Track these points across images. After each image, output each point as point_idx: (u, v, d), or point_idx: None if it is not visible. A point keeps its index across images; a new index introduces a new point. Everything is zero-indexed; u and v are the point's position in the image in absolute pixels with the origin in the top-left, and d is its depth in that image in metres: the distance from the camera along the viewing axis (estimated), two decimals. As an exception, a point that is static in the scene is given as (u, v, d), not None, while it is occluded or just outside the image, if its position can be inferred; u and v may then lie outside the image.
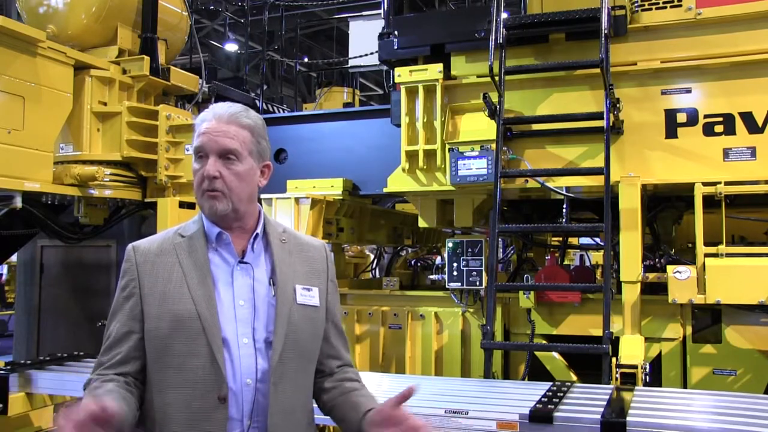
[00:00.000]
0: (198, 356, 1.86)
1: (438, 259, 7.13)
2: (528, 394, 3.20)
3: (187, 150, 5.89)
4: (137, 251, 1.99)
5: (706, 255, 3.81)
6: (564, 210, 4.30)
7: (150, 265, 1.95)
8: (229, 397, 1.86)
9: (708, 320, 4.18)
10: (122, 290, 1.96)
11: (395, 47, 4.69)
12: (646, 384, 3.61)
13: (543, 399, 3.06)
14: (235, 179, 1.95)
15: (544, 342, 4.44)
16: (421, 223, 4.88)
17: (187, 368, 1.86)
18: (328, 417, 2.14)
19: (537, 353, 4.38)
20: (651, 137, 4.09)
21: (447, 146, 4.38)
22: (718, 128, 3.97)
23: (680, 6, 4.03)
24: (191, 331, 1.87)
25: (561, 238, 5.61)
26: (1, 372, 3.96)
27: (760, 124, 3.90)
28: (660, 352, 4.14)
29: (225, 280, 1.95)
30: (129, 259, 1.98)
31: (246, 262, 1.99)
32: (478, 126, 4.37)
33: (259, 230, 2.03)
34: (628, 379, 3.59)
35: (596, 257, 7.28)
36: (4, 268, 13.03)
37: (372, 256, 8.53)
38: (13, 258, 7.31)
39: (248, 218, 2.02)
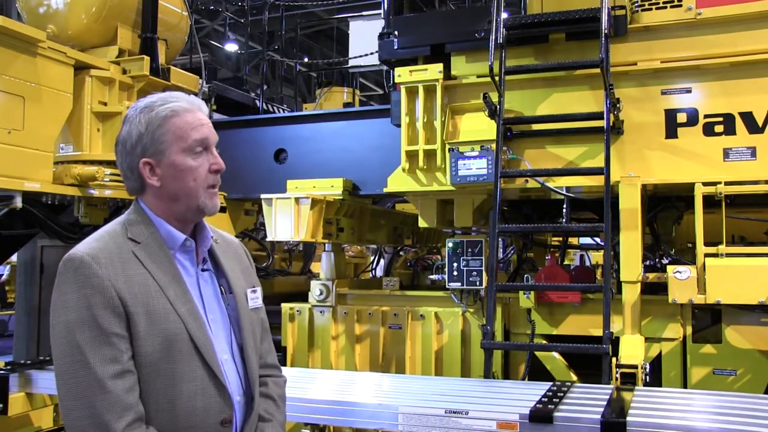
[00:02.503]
0: (194, 379, 1.69)
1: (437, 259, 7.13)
2: (528, 394, 3.19)
3: (187, 150, 5.88)
4: (99, 262, 1.66)
5: (706, 255, 3.81)
6: (564, 210, 4.30)
7: (121, 278, 1.66)
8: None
9: (708, 320, 4.18)
10: (103, 309, 1.62)
11: (395, 47, 4.69)
12: (646, 384, 3.61)
13: (543, 399, 3.06)
14: None
15: (544, 342, 4.44)
16: (421, 223, 4.88)
17: (183, 393, 1.68)
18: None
19: (537, 353, 4.38)
20: (651, 137, 4.09)
21: (447, 146, 4.38)
22: (718, 128, 3.97)
23: (680, 6, 4.03)
24: (184, 352, 1.68)
25: (561, 238, 5.61)
26: (1, 372, 3.95)
27: (760, 124, 3.89)
28: (660, 352, 4.13)
29: (194, 293, 1.78)
30: (94, 274, 1.64)
31: (207, 270, 1.86)
32: (478, 126, 4.36)
33: (212, 233, 1.90)
34: (628, 379, 3.59)
35: (596, 257, 7.28)
36: (6, 268, 13.00)
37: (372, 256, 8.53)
38: (13, 258, 7.31)
39: None
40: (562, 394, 3.12)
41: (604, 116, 3.96)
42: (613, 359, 3.67)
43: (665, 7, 4.07)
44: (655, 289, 4.16)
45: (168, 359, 1.67)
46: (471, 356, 4.68)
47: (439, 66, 4.44)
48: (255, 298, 1.94)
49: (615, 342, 3.82)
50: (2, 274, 14.00)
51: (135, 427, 1.61)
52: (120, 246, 1.72)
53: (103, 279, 1.64)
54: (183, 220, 1.82)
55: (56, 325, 1.66)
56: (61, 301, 1.66)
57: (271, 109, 8.80)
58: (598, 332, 4.00)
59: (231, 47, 16.71)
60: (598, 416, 2.78)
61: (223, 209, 5.80)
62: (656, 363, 4.10)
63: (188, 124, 1.77)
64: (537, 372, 4.37)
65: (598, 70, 3.94)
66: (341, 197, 5.11)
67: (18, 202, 4.74)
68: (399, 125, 4.54)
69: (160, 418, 1.66)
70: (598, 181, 4.05)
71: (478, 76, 4.45)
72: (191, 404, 1.68)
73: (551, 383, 3.42)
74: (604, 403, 2.97)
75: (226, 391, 1.74)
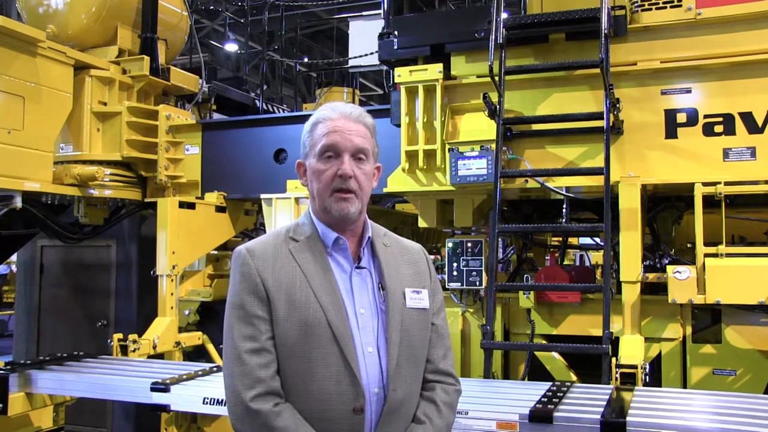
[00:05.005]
0: (329, 366, 1.80)
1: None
2: (528, 394, 3.20)
3: (187, 150, 5.89)
4: (253, 255, 1.90)
5: (706, 255, 3.81)
6: (564, 210, 4.30)
7: (270, 269, 1.87)
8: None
9: (708, 320, 4.18)
10: (249, 294, 1.85)
11: (395, 47, 4.69)
12: (646, 384, 3.61)
13: (543, 399, 3.06)
14: (365, 179, 1.94)
15: (544, 342, 4.44)
16: (421, 223, 4.88)
17: (317, 377, 1.80)
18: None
19: (537, 353, 4.38)
20: (651, 137, 4.09)
21: (447, 146, 4.38)
22: (718, 128, 3.97)
23: (680, 6, 4.03)
24: (321, 339, 1.81)
25: (561, 238, 5.61)
26: (1, 372, 3.95)
27: (760, 124, 3.89)
28: (660, 352, 4.13)
29: (344, 287, 1.90)
30: (246, 263, 1.89)
31: (363, 267, 1.95)
32: (478, 126, 4.36)
33: (370, 234, 1.99)
34: (628, 379, 3.59)
35: (596, 257, 7.28)
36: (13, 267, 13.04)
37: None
38: (13, 258, 7.31)
39: (361, 221, 1.99)
40: (561, 394, 3.12)
41: (604, 116, 3.96)
42: (613, 359, 3.67)
43: (665, 7, 4.07)
44: (655, 289, 4.16)
45: (305, 344, 1.81)
46: (471, 356, 4.68)
47: (439, 66, 4.44)
48: (416, 299, 1.98)
49: (615, 342, 3.82)
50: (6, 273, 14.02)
51: (265, 399, 1.78)
52: (278, 243, 1.94)
53: (251, 268, 1.87)
54: (329, 221, 1.95)
55: (226, 305, 1.93)
56: (229, 285, 1.94)
57: (271, 109, 8.80)
58: (598, 332, 4.00)
59: (231, 47, 16.72)
60: (598, 416, 2.78)
61: (222, 209, 5.80)
62: (656, 363, 4.10)
63: (323, 131, 1.92)
64: (537, 372, 4.37)
65: (598, 70, 3.94)
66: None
67: (18, 202, 4.74)
68: (399, 125, 4.54)
69: (297, 399, 1.81)
70: (598, 181, 4.05)
71: (478, 76, 4.45)
72: (324, 389, 1.79)
73: (551, 383, 3.42)
74: (604, 403, 2.98)
75: (358, 381, 1.80)
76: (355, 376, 1.80)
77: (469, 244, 4.54)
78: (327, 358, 1.80)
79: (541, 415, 2.86)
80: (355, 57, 11.90)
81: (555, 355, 4.32)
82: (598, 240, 5.46)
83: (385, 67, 7.24)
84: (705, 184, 3.87)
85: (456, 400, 2.04)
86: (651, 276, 4.05)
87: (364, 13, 12.91)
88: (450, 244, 4.61)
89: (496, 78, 4.12)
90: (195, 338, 5.45)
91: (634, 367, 3.61)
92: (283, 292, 1.84)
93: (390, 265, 1.98)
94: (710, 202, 3.89)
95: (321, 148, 1.91)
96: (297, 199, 4.82)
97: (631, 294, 3.95)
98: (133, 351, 4.70)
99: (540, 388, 3.29)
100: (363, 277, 1.94)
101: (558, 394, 3.13)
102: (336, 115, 1.93)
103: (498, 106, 4.15)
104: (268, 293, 1.85)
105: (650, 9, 4.10)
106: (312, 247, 1.92)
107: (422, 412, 1.93)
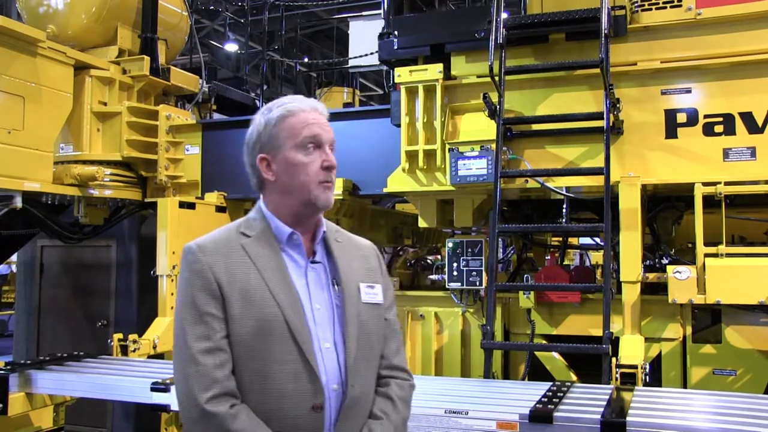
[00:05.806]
0: (286, 363, 1.75)
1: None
2: (528, 394, 3.20)
3: (187, 150, 5.89)
4: (204, 251, 1.83)
5: (706, 255, 3.81)
6: (564, 210, 4.30)
7: (222, 265, 1.81)
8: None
9: (708, 320, 4.18)
10: (201, 291, 1.78)
11: (395, 47, 4.69)
12: (646, 384, 3.61)
13: (543, 399, 3.06)
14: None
15: (544, 342, 4.44)
16: (421, 223, 4.88)
17: (275, 376, 1.75)
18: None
19: (537, 353, 4.39)
20: (651, 137, 4.09)
21: (447, 146, 4.38)
22: (718, 128, 3.97)
23: (680, 6, 4.03)
24: (278, 336, 1.76)
25: (561, 238, 5.61)
26: (1, 372, 3.95)
27: (760, 124, 3.90)
28: (660, 352, 4.14)
29: (299, 283, 1.87)
30: (197, 260, 1.81)
31: (318, 262, 1.93)
32: (478, 126, 4.37)
33: (324, 228, 1.99)
34: (628, 379, 3.59)
35: (596, 257, 7.29)
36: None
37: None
38: (13, 258, 7.31)
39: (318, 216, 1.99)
40: (562, 394, 3.12)
41: (604, 116, 3.96)
42: (613, 359, 3.67)
43: (665, 7, 4.07)
44: (655, 289, 4.16)
45: (262, 341, 1.76)
46: (471, 356, 4.69)
47: (439, 66, 4.44)
48: (370, 293, 1.97)
49: (615, 342, 3.82)
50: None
51: (221, 400, 1.72)
52: (230, 238, 1.88)
53: (203, 264, 1.81)
54: (296, 215, 1.93)
55: (175, 303, 1.88)
56: (178, 283, 1.89)
57: (271, 109, 8.76)
58: (598, 332, 4.00)
59: (231, 47, 16.72)
60: (598, 416, 2.78)
61: (222, 209, 5.80)
62: (656, 363, 4.10)
63: (301, 123, 1.90)
64: (537, 372, 4.37)
65: (598, 70, 3.94)
66: (341, 197, 5.11)
67: (18, 202, 4.74)
68: (399, 125, 4.54)
69: (253, 397, 1.76)
70: (598, 181, 4.05)
71: (478, 76, 4.45)
72: (282, 386, 1.75)
73: (551, 383, 3.42)
74: (604, 403, 2.98)
75: (317, 378, 1.77)
76: (314, 373, 1.77)
77: (469, 244, 4.55)
78: (284, 355, 1.75)
79: (541, 415, 2.86)
80: (355, 57, 11.92)
81: (555, 355, 4.32)
82: (598, 240, 5.46)
83: (385, 67, 7.24)
84: (705, 184, 3.87)
85: (410, 395, 2.03)
86: (651, 276, 4.05)
87: (364, 13, 12.92)
88: (450, 244, 4.61)
89: (496, 78, 4.12)
90: (195, 338, 5.44)
91: (634, 367, 3.62)
92: (238, 289, 1.78)
93: (344, 261, 1.96)
94: (710, 202, 3.89)
95: (303, 140, 1.88)
96: (297, 199, 4.82)
97: (631, 294, 3.95)
98: (133, 351, 4.70)
99: (540, 388, 3.28)
100: (318, 272, 1.92)
101: (558, 394, 3.13)
102: (308, 107, 1.93)
103: (498, 106, 4.15)
104: (222, 290, 1.78)
105: (650, 9, 4.10)
106: (265, 243, 1.88)
107: (378, 408, 1.91)
